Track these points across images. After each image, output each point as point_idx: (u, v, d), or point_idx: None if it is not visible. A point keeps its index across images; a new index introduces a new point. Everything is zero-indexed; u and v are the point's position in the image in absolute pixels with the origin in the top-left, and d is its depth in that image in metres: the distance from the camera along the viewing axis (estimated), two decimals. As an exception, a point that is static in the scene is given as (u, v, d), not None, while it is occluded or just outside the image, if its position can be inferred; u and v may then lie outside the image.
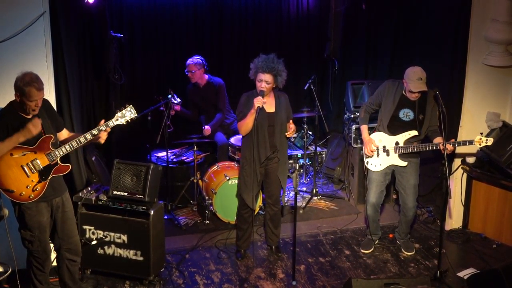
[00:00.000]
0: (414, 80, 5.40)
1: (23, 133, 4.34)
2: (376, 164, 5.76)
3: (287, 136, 5.47)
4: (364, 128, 5.84)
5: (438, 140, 5.46)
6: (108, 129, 4.65)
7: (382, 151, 5.71)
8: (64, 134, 4.80)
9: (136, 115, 4.75)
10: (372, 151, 5.71)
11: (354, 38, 8.02)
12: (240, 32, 8.19)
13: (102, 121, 4.65)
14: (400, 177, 5.79)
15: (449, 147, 5.38)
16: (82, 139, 4.55)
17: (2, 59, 4.98)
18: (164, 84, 7.47)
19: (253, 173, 5.44)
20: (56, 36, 5.21)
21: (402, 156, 5.67)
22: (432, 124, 5.60)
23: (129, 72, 7.64)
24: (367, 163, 5.81)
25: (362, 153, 5.91)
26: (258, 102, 5.21)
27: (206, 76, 7.38)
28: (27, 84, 4.25)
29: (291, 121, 5.47)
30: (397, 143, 5.64)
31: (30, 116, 4.44)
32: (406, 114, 5.59)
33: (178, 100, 6.89)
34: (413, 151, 5.60)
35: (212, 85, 7.37)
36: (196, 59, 7.24)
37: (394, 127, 5.65)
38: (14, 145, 4.36)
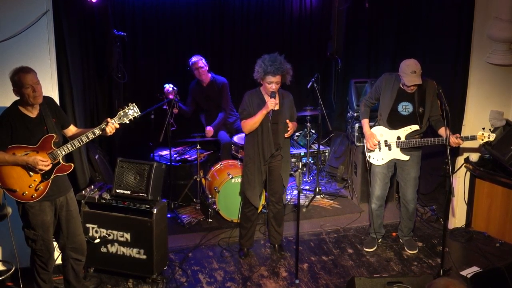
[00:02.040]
0: (408, 73, 5.38)
1: (31, 161, 4.36)
2: (378, 158, 5.75)
3: (286, 136, 5.49)
4: (365, 122, 5.83)
5: (443, 131, 5.45)
6: (113, 125, 4.64)
7: (384, 145, 5.71)
8: (72, 129, 4.80)
9: (139, 113, 4.74)
10: (374, 145, 5.71)
11: (356, 36, 8.03)
12: (242, 31, 8.18)
13: (108, 119, 4.66)
14: (401, 169, 5.79)
15: (459, 141, 5.37)
16: (84, 138, 4.55)
17: (5, 57, 4.98)
18: (167, 82, 7.47)
19: (257, 171, 5.44)
20: (59, 35, 5.21)
21: (404, 150, 5.66)
22: (433, 114, 5.59)
23: (132, 70, 7.64)
24: (369, 157, 5.80)
25: (364, 148, 5.91)
26: (272, 104, 5.26)
27: (210, 75, 7.38)
28: (15, 73, 4.31)
29: (291, 121, 5.48)
30: (398, 138, 5.63)
31: (34, 116, 4.45)
32: (404, 108, 5.58)
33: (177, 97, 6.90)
34: (415, 145, 5.59)
35: (215, 84, 7.36)
36: (200, 56, 7.25)
37: (394, 122, 5.64)
38: (18, 163, 4.40)
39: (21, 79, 4.30)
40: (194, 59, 7.27)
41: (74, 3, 5.72)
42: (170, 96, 6.94)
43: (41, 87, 4.42)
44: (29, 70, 4.35)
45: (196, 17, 7.90)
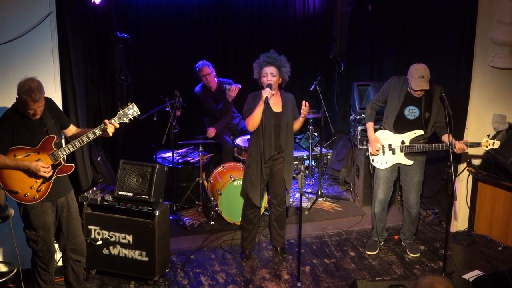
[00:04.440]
0: (416, 78, 5.39)
1: (33, 166, 4.36)
2: (382, 162, 5.75)
3: (302, 114, 5.42)
4: (369, 126, 5.83)
5: (446, 138, 5.45)
6: (112, 126, 4.63)
7: (388, 149, 5.70)
8: (72, 129, 4.81)
9: (139, 113, 4.74)
10: (377, 151, 5.70)
11: (359, 39, 8.03)
12: (245, 33, 8.20)
13: (106, 120, 4.66)
14: (405, 174, 5.78)
15: (464, 146, 5.37)
16: (84, 138, 4.56)
17: (9, 59, 4.99)
18: (170, 84, 7.48)
19: (259, 172, 5.44)
20: (63, 37, 5.21)
21: (408, 154, 5.65)
22: (438, 121, 5.58)
23: (135, 72, 7.65)
24: (373, 161, 5.80)
25: (368, 152, 5.90)
26: (266, 92, 5.24)
27: (216, 79, 7.35)
28: (25, 93, 4.24)
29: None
30: (403, 142, 5.63)
31: (33, 120, 4.45)
32: (411, 112, 5.57)
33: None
34: (419, 150, 5.59)
35: (223, 88, 7.32)
36: (206, 62, 7.21)
37: (400, 126, 5.63)
38: (19, 168, 4.39)
39: (27, 103, 4.27)
40: (200, 65, 7.22)
41: (77, 5, 5.72)
42: (234, 94, 7.07)
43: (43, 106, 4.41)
44: (38, 99, 4.28)
45: (200, 19, 7.90)
